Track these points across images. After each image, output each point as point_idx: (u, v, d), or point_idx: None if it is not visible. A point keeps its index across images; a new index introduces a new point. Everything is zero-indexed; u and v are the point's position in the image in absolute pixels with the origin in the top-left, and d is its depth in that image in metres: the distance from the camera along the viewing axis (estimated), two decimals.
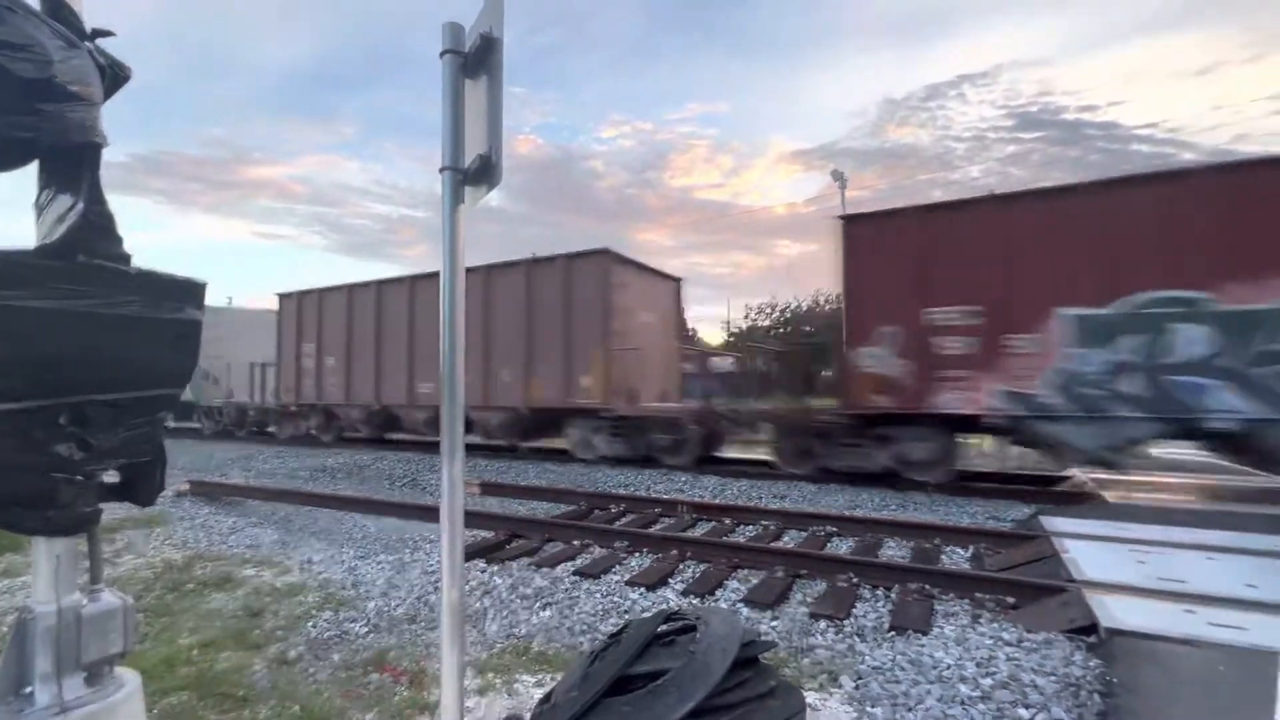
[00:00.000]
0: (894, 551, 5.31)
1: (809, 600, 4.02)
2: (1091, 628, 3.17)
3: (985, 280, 7.41)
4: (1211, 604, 3.38)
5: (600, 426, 10.36)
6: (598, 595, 4.10)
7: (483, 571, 4.58)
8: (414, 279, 12.58)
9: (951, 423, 7.74)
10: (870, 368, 8.04)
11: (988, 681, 2.73)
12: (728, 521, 6.27)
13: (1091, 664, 2.85)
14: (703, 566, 4.73)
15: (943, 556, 5.11)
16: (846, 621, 3.64)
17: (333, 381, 13.76)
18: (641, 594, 4.14)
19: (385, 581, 4.37)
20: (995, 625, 3.44)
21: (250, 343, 18.14)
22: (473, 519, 5.96)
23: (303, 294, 14.41)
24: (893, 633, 3.47)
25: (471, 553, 5.05)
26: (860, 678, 2.89)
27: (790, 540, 5.69)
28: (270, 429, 15.86)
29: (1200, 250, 6.49)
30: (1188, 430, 6.67)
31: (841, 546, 5.45)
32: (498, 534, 5.64)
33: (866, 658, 3.10)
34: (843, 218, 8.54)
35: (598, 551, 5.15)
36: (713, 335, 35.61)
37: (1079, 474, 8.65)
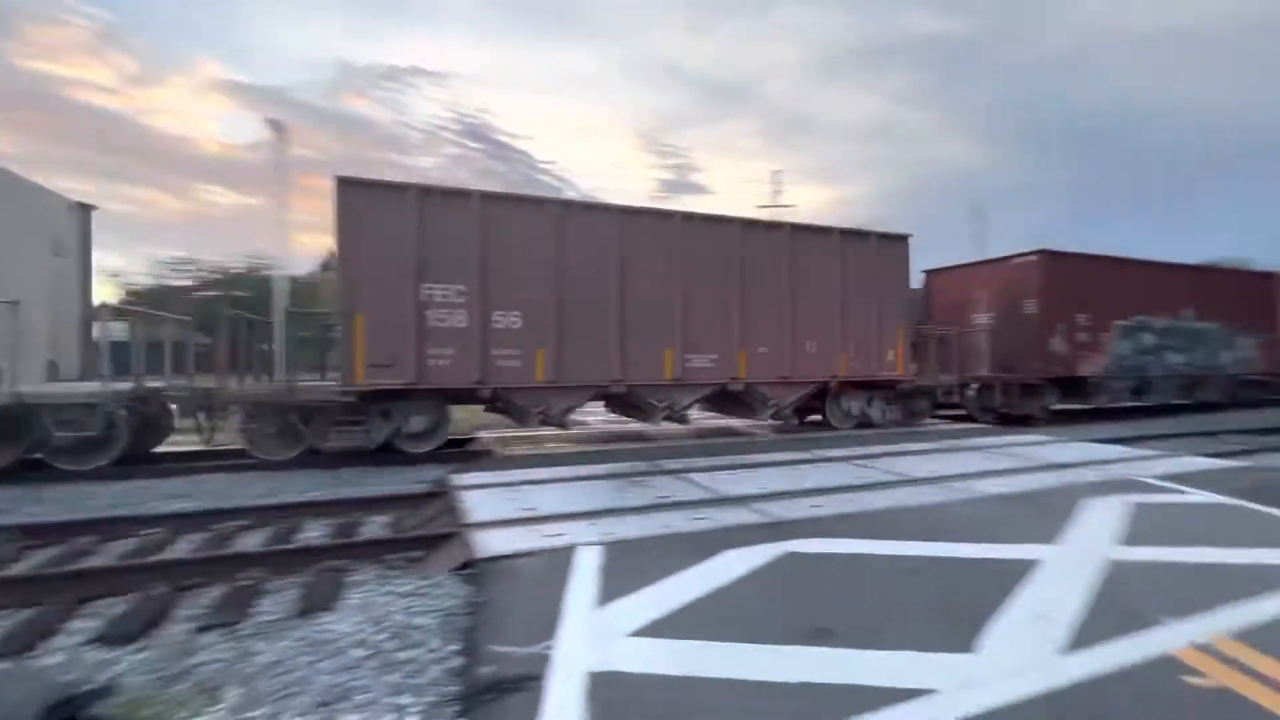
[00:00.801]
0: (315, 533, 5.13)
1: (197, 613, 3.42)
2: (470, 562, 3.85)
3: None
4: (548, 521, 4.64)
5: None
6: None
7: None
8: None
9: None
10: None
11: (380, 637, 2.94)
12: (86, 540, 4.71)
13: (465, 591, 3.46)
14: (27, 612, 3.38)
15: (364, 528, 5.26)
16: (243, 624, 3.27)
17: None
18: None
19: None
20: (399, 582, 3.75)
21: None
22: None
23: None
24: (299, 619, 3.33)
25: None
26: (248, 681, 2.64)
27: (183, 547, 4.72)
28: None
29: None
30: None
31: (251, 541, 4.89)
32: None
33: (261, 656, 2.86)
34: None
35: None
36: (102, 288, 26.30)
37: (484, 435, 10.45)
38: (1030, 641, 2.75)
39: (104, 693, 2.04)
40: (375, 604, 3.38)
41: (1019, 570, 3.54)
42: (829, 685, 2.41)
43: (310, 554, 4.20)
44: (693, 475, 6.40)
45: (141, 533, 4.91)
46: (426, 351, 8.04)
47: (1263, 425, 12.24)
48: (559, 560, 3.73)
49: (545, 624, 2.88)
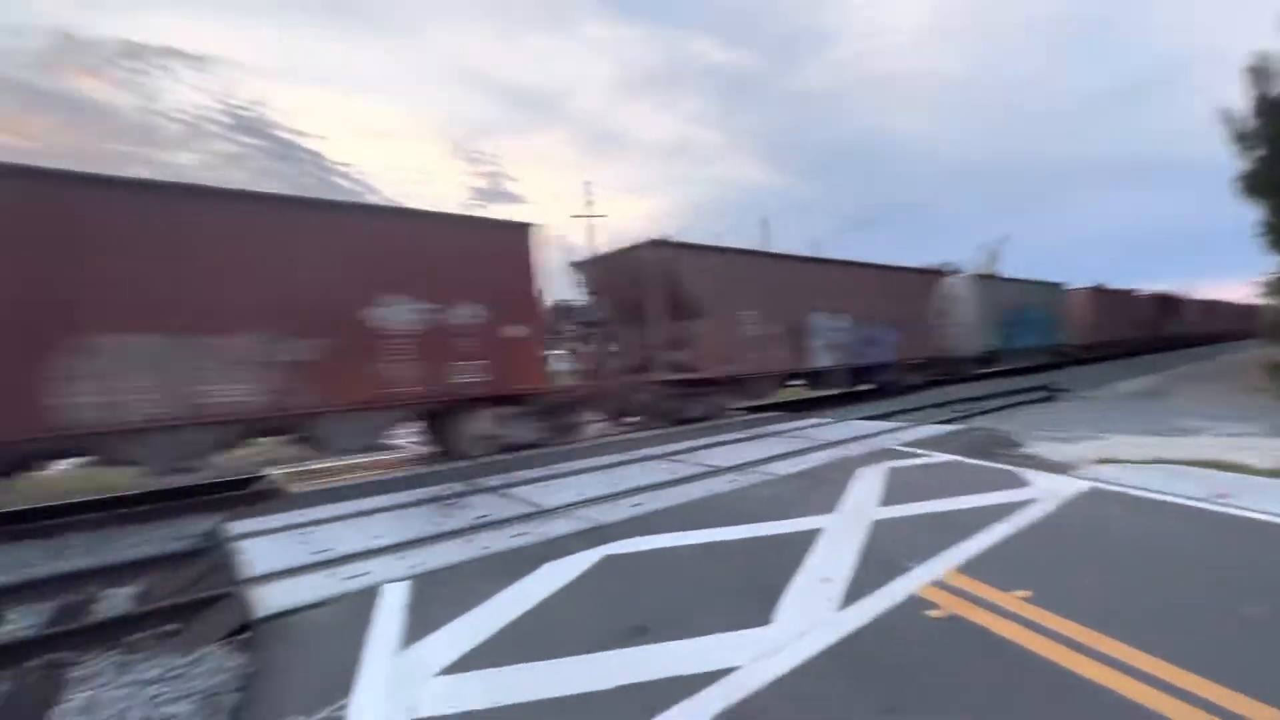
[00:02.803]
0: (22, 621, 4.00)
1: None
2: (245, 625, 3.28)
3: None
4: (349, 561, 4.15)
5: None
6: None
7: None
8: None
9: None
10: None
11: None
12: None
13: (236, 662, 2.94)
14: None
15: (98, 604, 4.24)
16: None
17: None
18: None
19: None
20: (144, 666, 3.07)
21: None
22: None
23: None
24: None
25: None
26: None
27: None
28: None
29: None
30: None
31: None
32: None
33: None
34: None
35: None
36: None
37: (273, 472, 9.13)
38: (815, 604, 3.08)
39: None
40: (107, 701, 2.71)
41: (808, 540, 3.98)
42: (644, 684, 2.46)
43: (18, 649, 3.26)
44: (514, 490, 6.21)
45: None
46: None
47: (981, 393, 15.39)
48: (359, 605, 3.34)
49: (337, 682, 2.54)
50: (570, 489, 6.04)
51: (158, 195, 6.65)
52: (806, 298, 13.90)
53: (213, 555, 4.79)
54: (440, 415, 8.70)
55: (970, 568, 3.44)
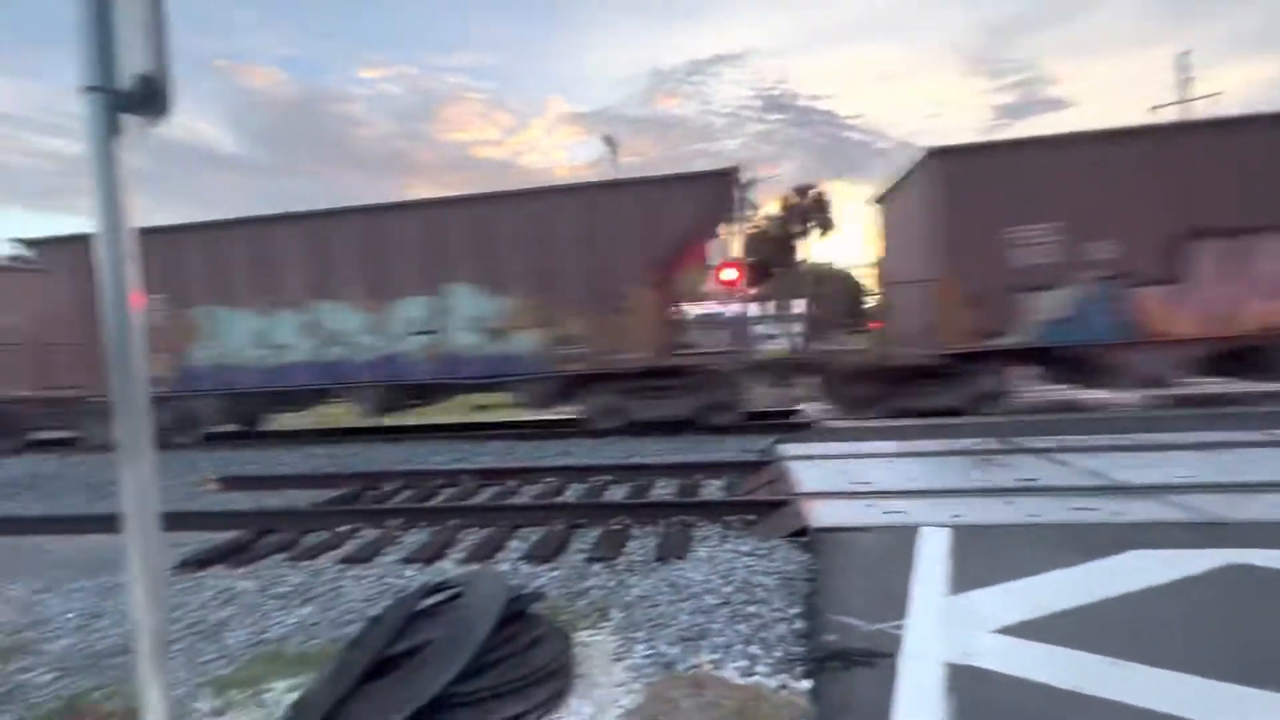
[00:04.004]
0: (663, 491, 5.87)
1: (585, 547, 4.26)
2: (805, 530, 3.88)
3: None
4: (886, 497, 4.38)
5: None
6: (368, 580, 3.84)
7: (223, 577, 3.97)
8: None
9: None
10: None
11: (728, 589, 3.20)
12: (512, 484, 6.29)
13: (802, 558, 3.51)
14: (485, 532, 4.70)
15: (701, 489, 5.79)
16: (619, 560, 3.94)
17: None
18: (418, 570, 3.98)
19: (82, 613, 3.55)
20: (738, 541, 4.02)
21: None
22: (210, 520, 5.12)
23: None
24: (658, 563, 3.85)
25: (208, 558, 4.33)
26: (627, 608, 3.17)
27: (571, 494, 5.93)
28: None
29: None
30: None
31: (618, 493, 5.84)
32: (244, 533, 4.91)
33: (634, 590, 3.40)
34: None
35: (369, 534, 4.79)
36: None
37: (806, 408, 10.41)
38: None
39: (537, 596, 2.71)
40: (720, 558, 3.69)
41: None
42: None
43: (664, 509, 4.81)
44: (1065, 456, 5.27)
45: (543, 480, 6.33)
46: None
47: None
48: (900, 539, 3.49)
49: (890, 603, 2.73)
50: (1157, 467, 4.69)
51: None
52: None
53: (770, 468, 5.86)
54: None
55: None
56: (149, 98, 1.65)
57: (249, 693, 2.61)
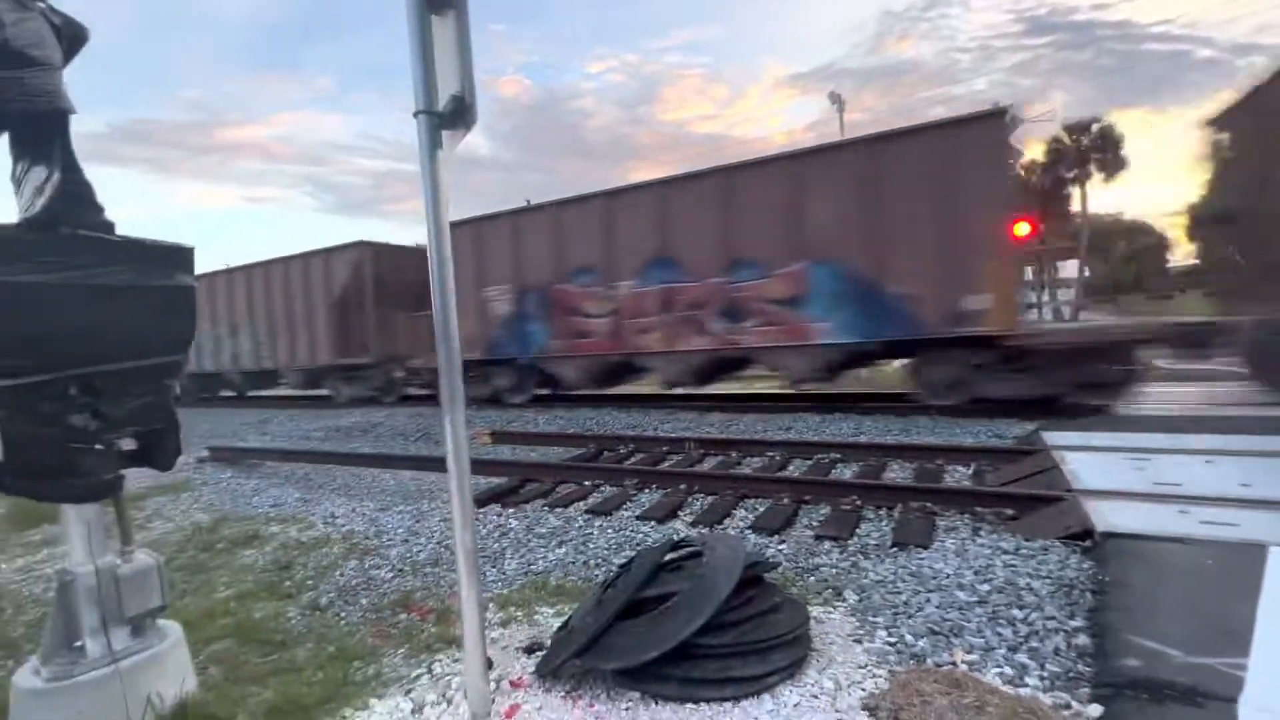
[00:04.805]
0: (897, 474, 5.45)
1: (814, 524, 4.16)
2: (1087, 533, 3.28)
3: None
4: (1205, 504, 3.48)
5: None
6: (610, 531, 4.26)
7: (499, 515, 4.75)
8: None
9: None
10: None
11: (984, 587, 2.85)
12: (734, 455, 6.41)
13: (1085, 566, 2.97)
14: (710, 498, 4.87)
15: (945, 475, 5.24)
16: (850, 541, 3.78)
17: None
18: (652, 527, 4.30)
19: (406, 530, 4.55)
20: (994, 536, 3.56)
21: None
22: (486, 466, 6.13)
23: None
24: (895, 549, 3.60)
25: (486, 498, 5.21)
26: (863, 591, 3.03)
27: (796, 469, 5.82)
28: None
29: None
30: None
31: (845, 472, 5.58)
32: (511, 479, 5.80)
33: (869, 573, 3.24)
34: None
35: (609, 490, 5.30)
36: None
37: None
38: None
39: (771, 565, 2.73)
40: (973, 552, 3.31)
41: None
42: None
43: (898, 491, 4.47)
44: None
45: (766, 454, 6.32)
46: None
47: None
48: (1233, 558, 2.76)
49: (1222, 634, 2.18)
50: None
51: None
52: None
53: (1034, 458, 5.05)
54: None
55: None
56: (460, 114, 1.99)
57: (524, 612, 3.10)
